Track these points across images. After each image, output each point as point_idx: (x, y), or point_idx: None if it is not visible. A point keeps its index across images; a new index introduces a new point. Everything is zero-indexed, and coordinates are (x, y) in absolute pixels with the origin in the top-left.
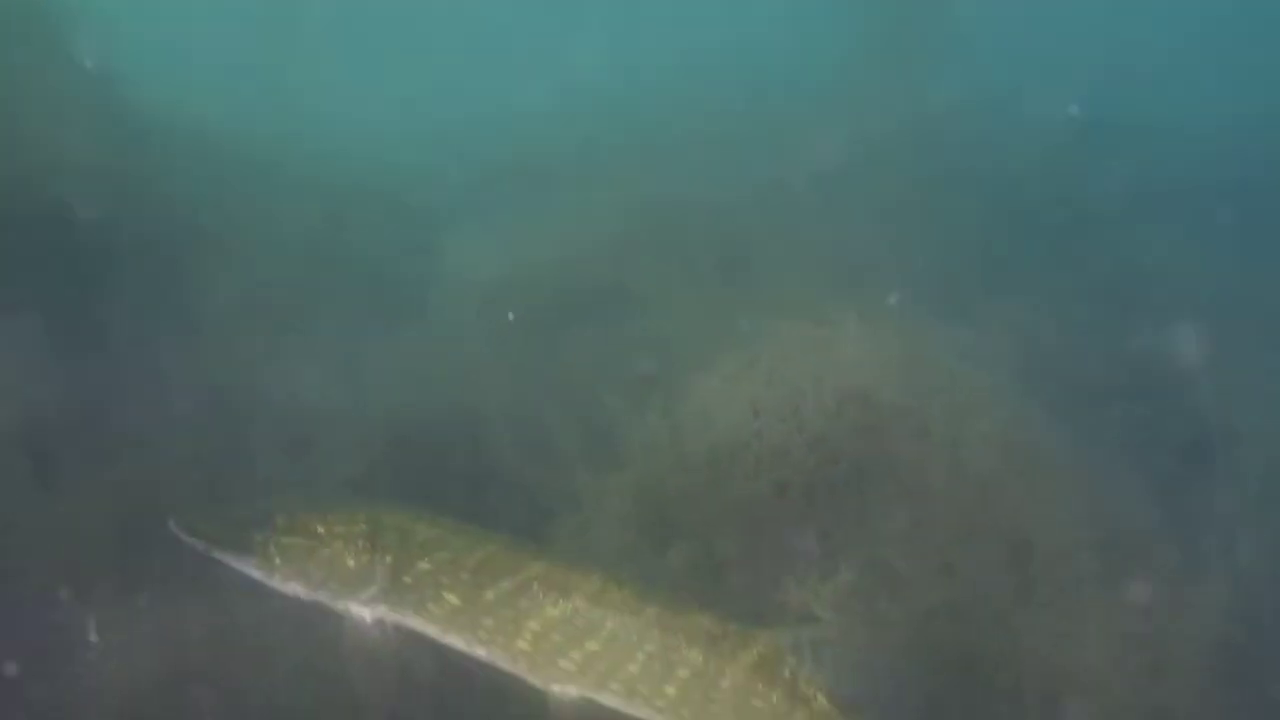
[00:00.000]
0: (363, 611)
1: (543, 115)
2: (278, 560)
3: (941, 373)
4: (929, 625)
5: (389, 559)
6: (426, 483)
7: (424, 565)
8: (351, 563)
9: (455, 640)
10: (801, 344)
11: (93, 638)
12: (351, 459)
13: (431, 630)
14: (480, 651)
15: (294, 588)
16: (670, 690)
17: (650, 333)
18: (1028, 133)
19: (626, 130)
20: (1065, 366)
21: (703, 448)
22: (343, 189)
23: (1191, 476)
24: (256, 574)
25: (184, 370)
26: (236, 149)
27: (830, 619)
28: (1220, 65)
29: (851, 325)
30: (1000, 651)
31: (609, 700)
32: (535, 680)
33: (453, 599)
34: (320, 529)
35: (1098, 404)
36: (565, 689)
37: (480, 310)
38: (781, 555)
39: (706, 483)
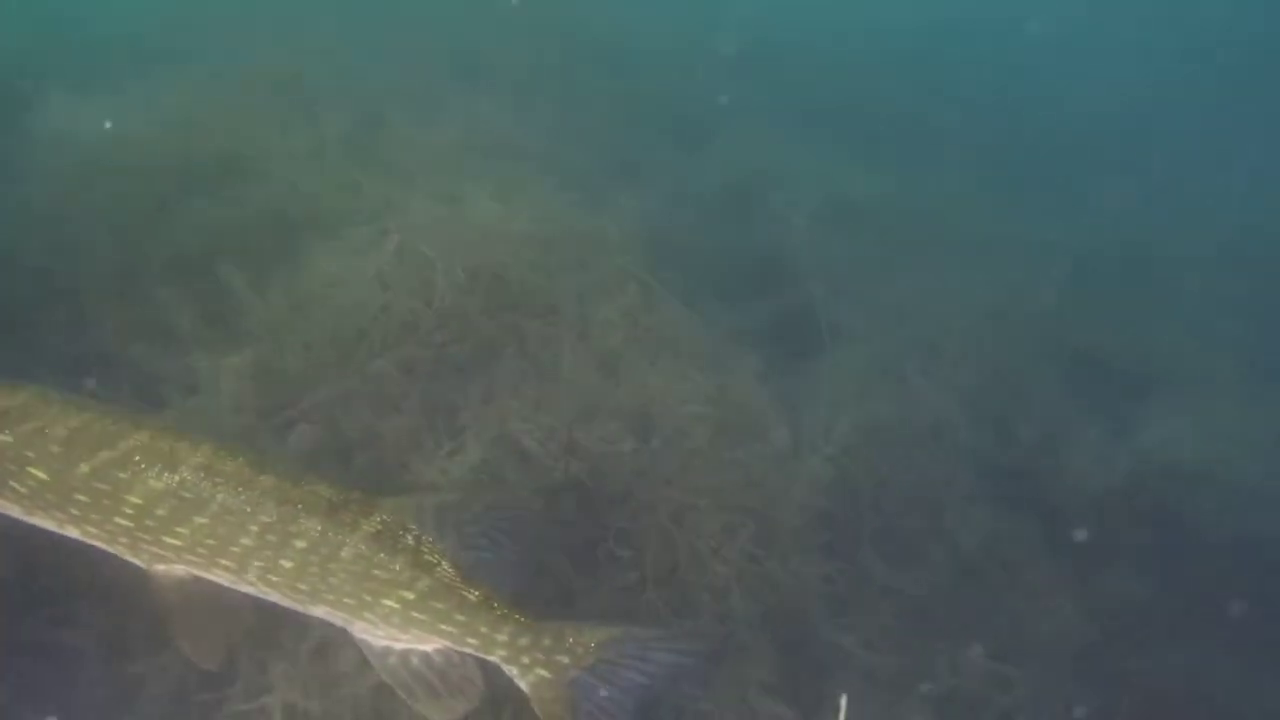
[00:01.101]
0: None
1: None
2: None
3: (572, 255)
4: (555, 501)
5: None
6: (15, 366)
7: (4, 438)
8: None
9: (43, 520)
10: (433, 219)
11: None
12: None
13: (14, 510)
14: (73, 531)
15: None
16: (286, 564)
17: (273, 205)
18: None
19: None
20: (690, 258)
21: (327, 325)
22: None
23: (799, 364)
24: None
25: None
26: None
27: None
28: None
29: (484, 203)
30: (622, 527)
31: (220, 577)
32: (137, 559)
33: (39, 474)
34: None
35: (719, 294)
36: (171, 568)
37: (82, 180)
38: (408, 435)
39: (331, 361)
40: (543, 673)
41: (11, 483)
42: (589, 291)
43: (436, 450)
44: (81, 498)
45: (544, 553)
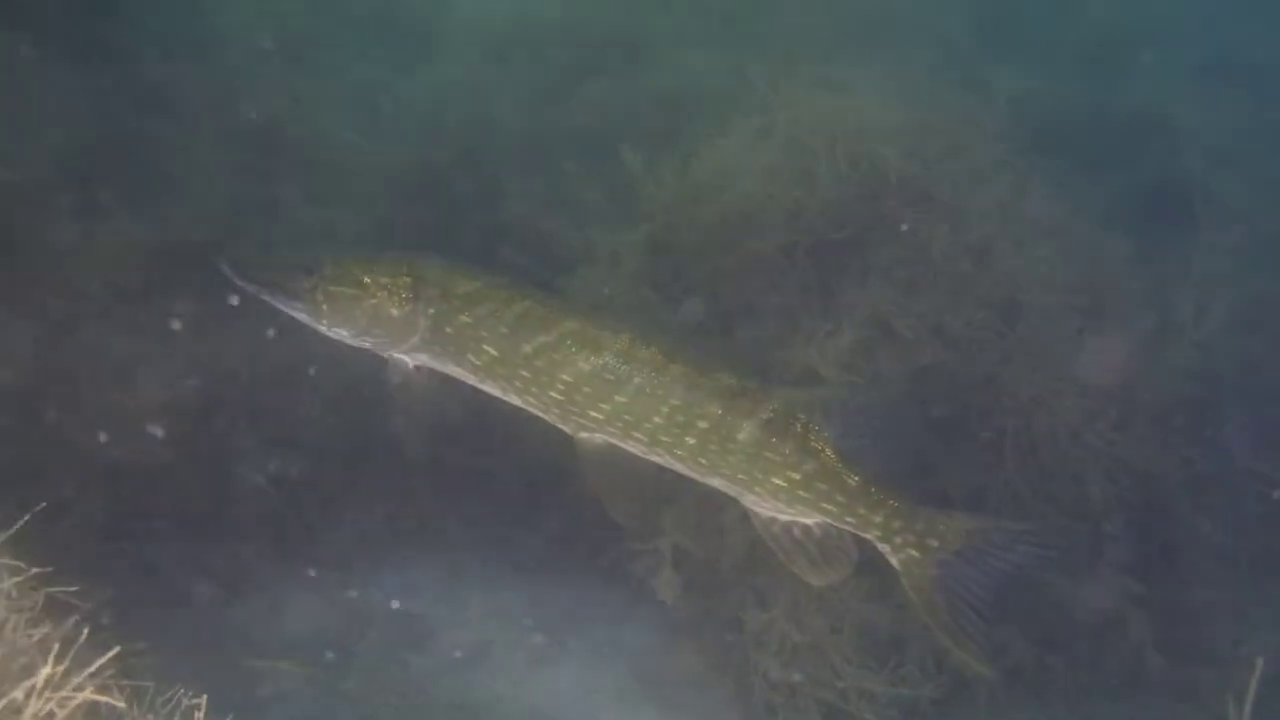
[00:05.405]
0: (404, 358)
1: None
2: (325, 307)
3: (948, 141)
4: (922, 382)
5: (431, 311)
6: (443, 231)
7: (465, 319)
8: (395, 313)
9: (491, 388)
10: (816, 108)
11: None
12: (368, 206)
13: (470, 379)
14: (515, 400)
15: (340, 333)
16: (690, 440)
17: (666, 88)
18: None
19: None
20: (1065, 132)
21: (717, 207)
22: None
23: (1177, 245)
24: (304, 318)
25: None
26: None
27: (836, 379)
28: None
29: (863, 90)
30: (985, 407)
31: (633, 447)
32: (565, 427)
33: (491, 351)
34: (366, 279)
35: (1096, 169)
36: (593, 436)
37: (492, 55)
38: (788, 314)
39: (719, 242)
40: (913, 553)
41: (470, 356)
42: (963, 179)
43: (814, 330)
44: (524, 373)
45: (910, 431)
